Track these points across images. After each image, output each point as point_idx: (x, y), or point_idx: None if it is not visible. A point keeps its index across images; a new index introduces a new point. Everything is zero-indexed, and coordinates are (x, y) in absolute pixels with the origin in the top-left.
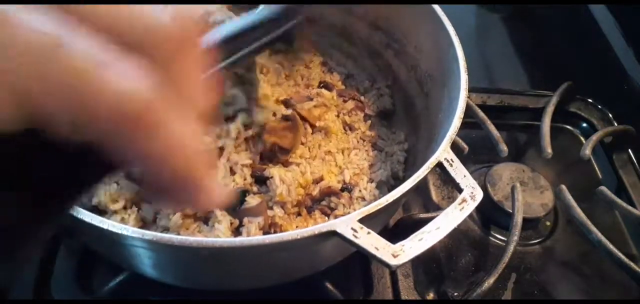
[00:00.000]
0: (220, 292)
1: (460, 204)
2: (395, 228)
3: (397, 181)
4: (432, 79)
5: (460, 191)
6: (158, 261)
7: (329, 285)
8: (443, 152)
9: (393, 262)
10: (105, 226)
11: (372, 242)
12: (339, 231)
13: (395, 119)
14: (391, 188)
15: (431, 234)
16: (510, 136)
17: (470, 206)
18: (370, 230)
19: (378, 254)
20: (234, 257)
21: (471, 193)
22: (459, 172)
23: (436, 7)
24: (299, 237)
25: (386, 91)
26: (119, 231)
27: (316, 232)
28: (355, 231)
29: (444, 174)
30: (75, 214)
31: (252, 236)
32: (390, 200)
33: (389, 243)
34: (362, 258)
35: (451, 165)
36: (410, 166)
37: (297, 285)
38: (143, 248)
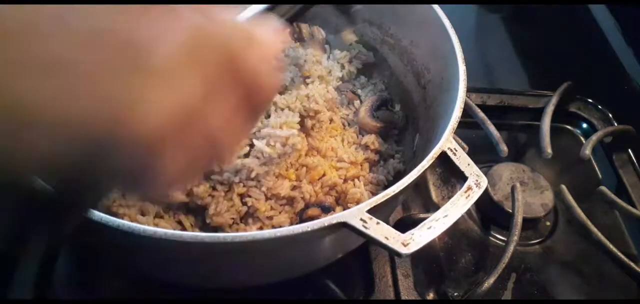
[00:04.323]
0: (223, 290)
1: (466, 192)
2: (395, 228)
3: (398, 175)
4: (429, 72)
5: (465, 179)
6: (169, 260)
7: (331, 284)
8: (446, 142)
9: (404, 250)
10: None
11: (382, 232)
12: (349, 222)
13: (394, 114)
14: (389, 184)
15: (439, 222)
16: (510, 136)
17: (476, 194)
18: (379, 221)
19: (388, 243)
20: (246, 251)
21: (476, 181)
22: (463, 161)
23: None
24: (309, 229)
25: (382, 85)
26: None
27: (326, 224)
28: (364, 221)
29: (447, 166)
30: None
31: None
32: (397, 190)
33: (398, 233)
34: (363, 257)
35: (455, 154)
36: (410, 162)
37: (299, 283)
38: (155, 248)
